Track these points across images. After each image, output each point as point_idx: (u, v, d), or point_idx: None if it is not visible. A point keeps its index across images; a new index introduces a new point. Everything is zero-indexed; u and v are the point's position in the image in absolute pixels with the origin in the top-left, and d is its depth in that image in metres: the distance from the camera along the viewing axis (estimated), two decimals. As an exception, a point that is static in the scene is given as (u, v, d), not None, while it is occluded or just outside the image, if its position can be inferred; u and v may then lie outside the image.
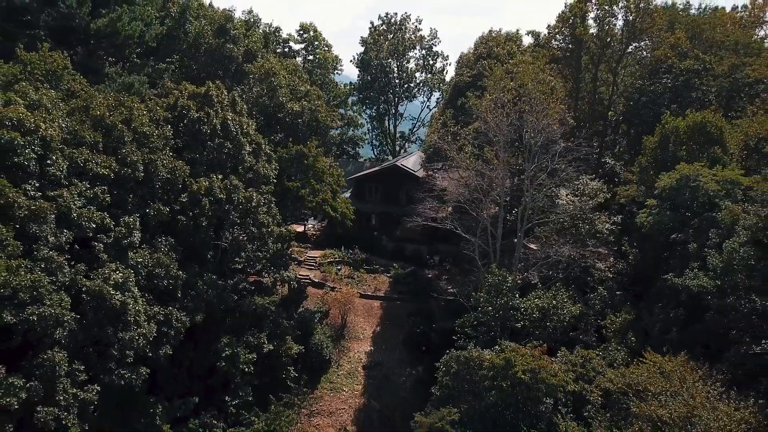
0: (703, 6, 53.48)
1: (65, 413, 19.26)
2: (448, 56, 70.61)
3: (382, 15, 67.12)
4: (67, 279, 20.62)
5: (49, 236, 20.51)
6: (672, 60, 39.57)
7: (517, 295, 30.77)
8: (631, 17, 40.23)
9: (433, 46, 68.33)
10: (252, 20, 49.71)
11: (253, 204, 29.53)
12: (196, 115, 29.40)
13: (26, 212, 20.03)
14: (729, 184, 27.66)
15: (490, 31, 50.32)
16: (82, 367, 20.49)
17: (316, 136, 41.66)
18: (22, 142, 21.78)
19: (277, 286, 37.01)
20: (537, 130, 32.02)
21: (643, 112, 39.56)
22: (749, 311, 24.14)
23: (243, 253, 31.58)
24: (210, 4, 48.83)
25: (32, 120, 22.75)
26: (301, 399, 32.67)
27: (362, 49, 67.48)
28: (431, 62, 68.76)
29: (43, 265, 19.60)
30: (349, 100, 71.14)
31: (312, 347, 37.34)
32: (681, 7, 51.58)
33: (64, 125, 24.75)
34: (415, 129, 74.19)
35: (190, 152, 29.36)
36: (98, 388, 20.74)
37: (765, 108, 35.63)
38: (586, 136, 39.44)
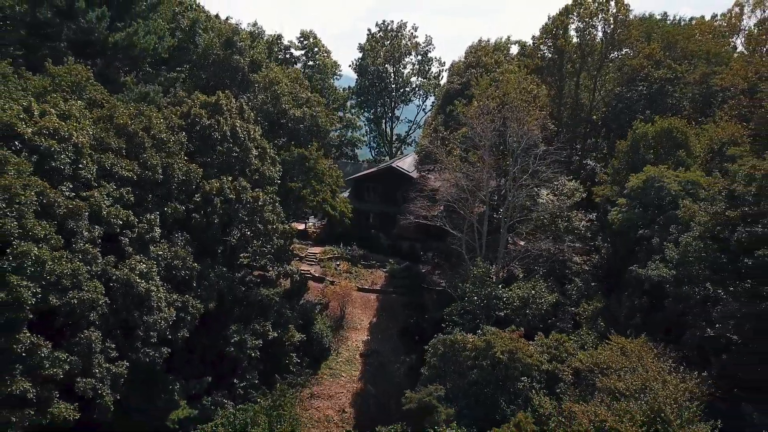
0: (677, 17, 56.20)
1: (100, 384, 22.24)
2: (444, 62, 73.59)
3: (380, 22, 70.49)
4: (99, 269, 23.58)
5: (84, 231, 23.49)
6: (648, 69, 42.61)
7: (500, 286, 33.80)
8: (609, 29, 43.22)
9: (429, 52, 71.50)
10: (256, 32, 52.76)
11: (260, 203, 32.51)
12: (208, 123, 32.37)
13: (65, 210, 22.99)
14: (689, 185, 30.64)
15: (479, 40, 53.50)
16: (113, 346, 23.48)
17: (317, 139, 44.64)
18: (58, 149, 24.76)
19: (281, 280, 39.96)
20: (519, 135, 35.01)
21: (620, 117, 42.60)
22: (702, 298, 27.11)
23: (249, 248, 34.58)
24: (217, 15, 51.83)
25: (66, 129, 25.71)
26: (303, 380, 35.54)
27: (360, 54, 70.62)
28: (426, 68, 71.78)
29: (80, 256, 22.55)
30: (348, 104, 74.18)
31: (313, 336, 40.33)
32: (659, 17, 54.62)
33: (91, 133, 27.71)
34: (411, 131, 77.32)
35: (202, 156, 32.33)
36: (127, 363, 23.75)
37: (730, 114, 38.62)
38: (567, 139, 42.44)
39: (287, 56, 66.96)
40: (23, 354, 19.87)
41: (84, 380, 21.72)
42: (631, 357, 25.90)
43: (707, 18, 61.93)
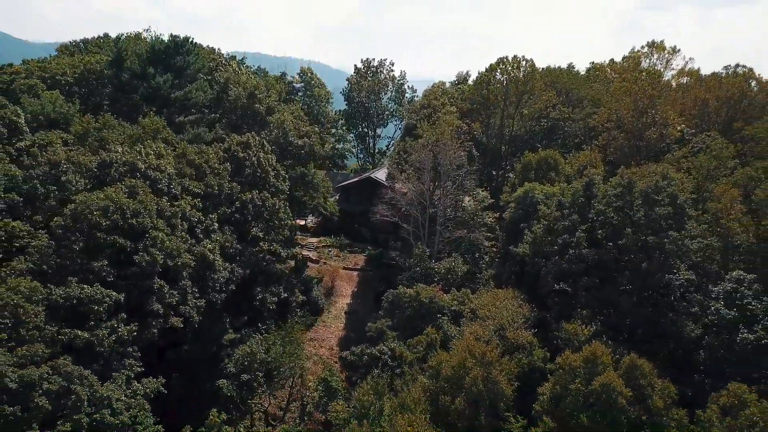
0: (575, 70, 73.52)
1: (192, 311, 39.85)
2: (416, 90, 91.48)
3: (364, 59, 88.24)
4: (187, 246, 41.15)
5: (179, 225, 41.11)
6: (548, 110, 60.07)
7: (433, 261, 51.44)
8: (522, 80, 60.82)
9: (403, 84, 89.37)
10: (270, 83, 70.17)
11: (276, 207, 50.10)
12: (242, 155, 49.94)
13: (169, 213, 40.61)
14: (549, 195, 48.26)
15: (433, 85, 70.95)
16: (196, 290, 41.06)
17: (313, 160, 62.27)
18: (160, 177, 42.42)
19: (288, 260, 57.51)
20: (448, 161, 52.59)
21: (526, 145, 60.02)
22: (545, 265, 44.75)
23: (268, 237, 52.07)
24: (234, 58, 68.87)
25: (162, 164, 43.37)
26: (305, 320, 53.11)
27: (348, 86, 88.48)
28: (400, 96, 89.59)
29: (179, 239, 40.14)
30: (339, 123, 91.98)
31: (311, 299, 57.93)
32: (565, 67, 72.24)
33: (174, 165, 45.30)
34: (390, 146, 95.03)
35: (238, 177, 49.87)
36: (204, 301, 41.40)
37: (600, 144, 56.24)
38: (492, 159, 60.02)
39: (290, 88, 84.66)
40: (155, 289, 37.54)
41: (184, 307, 39.41)
42: (498, 299, 43.65)
43: (618, 59, 79.53)
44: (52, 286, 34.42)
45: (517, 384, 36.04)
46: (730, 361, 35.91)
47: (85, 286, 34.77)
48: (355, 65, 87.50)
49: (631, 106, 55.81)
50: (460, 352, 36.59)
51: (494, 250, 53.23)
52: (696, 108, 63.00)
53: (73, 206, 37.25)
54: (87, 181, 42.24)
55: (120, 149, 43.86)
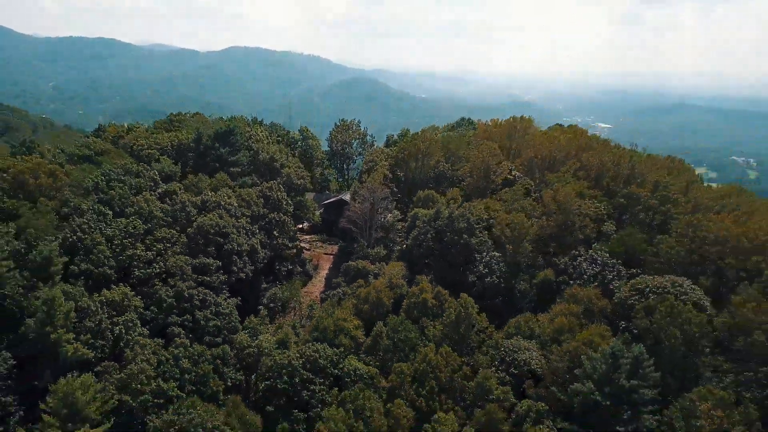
0: (470, 132, 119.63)
1: (249, 271, 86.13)
2: (375, 139, 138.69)
3: (341, 119, 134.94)
4: (245, 240, 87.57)
5: (242, 231, 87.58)
6: (438, 164, 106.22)
7: (368, 249, 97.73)
8: (425, 146, 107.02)
9: (366, 136, 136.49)
10: (282, 149, 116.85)
11: (286, 221, 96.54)
12: (269, 194, 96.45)
13: (237, 225, 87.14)
14: (424, 215, 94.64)
15: (377, 147, 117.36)
16: (249, 262, 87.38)
17: (306, 190, 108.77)
18: (231, 209, 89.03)
19: (292, 249, 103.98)
20: (378, 195, 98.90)
21: (426, 185, 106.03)
22: (417, 250, 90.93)
23: (282, 235, 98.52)
24: (263, 125, 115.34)
25: (231, 201, 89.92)
26: (302, 279, 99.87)
27: (330, 137, 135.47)
28: (364, 144, 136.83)
29: (242, 237, 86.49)
30: (324, 161, 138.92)
31: (305, 270, 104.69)
32: (459, 134, 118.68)
33: (235, 201, 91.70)
34: (357, 174, 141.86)
35: (266, 205, 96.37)
36: (253, 266, 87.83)
37: (466, 184, 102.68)
38: (408, 192, 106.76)
39: (292, 141, 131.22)
40: (234, 261, 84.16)
41: (245, 269, 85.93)
42: (395, 267, 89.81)
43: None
44: (191, 259, 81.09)
45: (392, 301, 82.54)
46: (485, 294, 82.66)
47: (205, 258, 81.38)
48: (335, 123, 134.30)
49: (480, 163, 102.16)
50: (369, 288, 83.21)
51: (403, 243, 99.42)
52: (527, 160, 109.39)
53: (196, 224, 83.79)
54: (196, 210, 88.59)
55: (210, 194, 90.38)
